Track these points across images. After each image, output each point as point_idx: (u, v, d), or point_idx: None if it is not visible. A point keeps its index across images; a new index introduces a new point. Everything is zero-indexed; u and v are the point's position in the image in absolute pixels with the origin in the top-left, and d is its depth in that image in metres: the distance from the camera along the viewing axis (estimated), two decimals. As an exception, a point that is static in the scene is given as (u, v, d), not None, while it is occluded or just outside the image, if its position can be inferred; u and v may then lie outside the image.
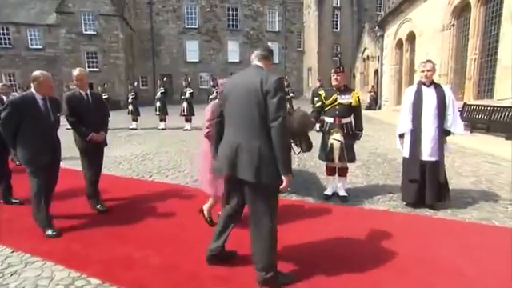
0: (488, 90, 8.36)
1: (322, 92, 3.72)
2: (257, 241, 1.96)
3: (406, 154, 3.34)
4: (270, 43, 28.05)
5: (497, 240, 2.68)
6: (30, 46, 21.87)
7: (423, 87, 3.22)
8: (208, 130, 2.72)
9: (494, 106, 7.57)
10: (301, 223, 3.05)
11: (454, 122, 3.17)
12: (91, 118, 3.25)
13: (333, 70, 3.63)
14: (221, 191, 2.78)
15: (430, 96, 3.16)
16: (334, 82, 3.61)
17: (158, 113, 10.35)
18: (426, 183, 3.24)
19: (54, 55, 21.60)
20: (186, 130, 10.18)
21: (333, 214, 3.32)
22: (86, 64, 21.41)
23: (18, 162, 3.72)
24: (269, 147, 1.81)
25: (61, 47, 21.26)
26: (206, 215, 2.97)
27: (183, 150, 7.17)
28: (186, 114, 10.24)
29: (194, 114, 10.45)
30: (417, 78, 11.39)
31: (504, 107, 7.34)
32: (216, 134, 2.15)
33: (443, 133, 3.21)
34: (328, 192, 3.79)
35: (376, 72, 16.16)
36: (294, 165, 5.05)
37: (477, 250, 2.48)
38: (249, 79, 1.91)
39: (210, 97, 10.17)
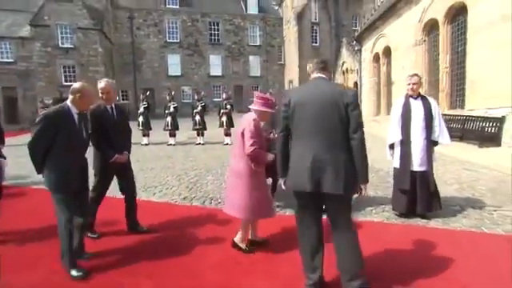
0: (460, 101, 8.83)
1: None
2: (345, 252, 1.94)
3: (397, 164, 3.40)
4: (251, 57, 28.59)
5: (488, 247, 2.75)
6: (0, 60, 20.81)
7: (411, 100, 3.33)
8: (254, 147, 2.46)
9: (466, 116, 7.99)
10: (290, 235, 2.96)
11: (441, 133, 3.29)
12: (116, 136, 2.92)
13: None
14: (260, 215, 2.65)
15: (417, 108, 3.27)
16: None
17: (141, 128, 10.09)
18: (417, 193, 3.30)
19: (27, 69, 20.71)
20: (171, 144, 9.96)
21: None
22: (63, 78, 20.72)
23: None
24: (351, 158, 1.87)
25: (35, 60, 20.42)
26: (243, 247, 2.72)
27: (169, 165, 6.96)
28: (170, 128, 10.04)
29: (178, 129, 10.28)
30: (394, 89, 11.92)
31: (475, 117, 7.77)
32: (284, 149, 2.04)
33: (431, 143, 3.31)
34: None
35: (355, 84, 16.75)
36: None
37: (471, 259, 2.53)
38: (325, 91, 1.91)
39: (195, 111, 10.10)
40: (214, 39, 27.86)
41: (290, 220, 3.19)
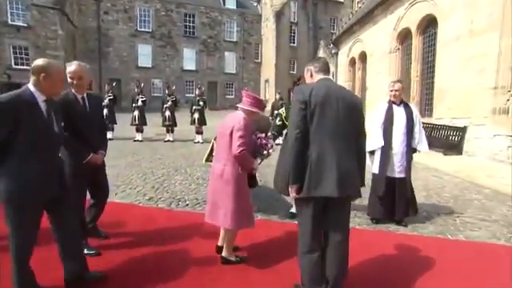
0: (428, 110, 9.27)
1: (282, 112, 3.63)
2: (338, 260, 1.88)
3: (376, 170, 3.37)
4: (227, 53, 28.08)
5: (452, 253, 2.85)
6: None
7: (394, 106, 3.27)
8: (242, 148, 2.23)
9: (433, 124, 8.38)
10: (270, 244, 2.90)
11: (421, 141, 3.30)
12: (89, 132, 2.40)
13: (293, 95, 3.55)
14: (246, 225, 2.43)
15: (400, 115, 3.24)
16: None
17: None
18: (396, 199, 3.32)
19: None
20: (137, 140, 9.32)
21: (290, 232, 3.13)
22: (13, 60, 18.49)
23: None
24: (357, 162, 1.88)
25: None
26: (234, 259, 2.47)
27: (134, 163, 6.45)
28: (137, 123, 9.39)
29: (146, 124, 9.65)
30: (369, 95, 12.24)
31: (441, 125, 8.17)
32: (300, 151, 1.77)
33: (411, 150, 3.31)
34: (293, 210, 3.63)
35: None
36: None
37: (438, 264, 2.60)
38: (345, 94, 1.88)
39: (165, 106, 9.54)
40: (189, 32, 26.92)
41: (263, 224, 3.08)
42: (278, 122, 3.65)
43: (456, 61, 7.77)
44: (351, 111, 1.81)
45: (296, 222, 3.40)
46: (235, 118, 2.36)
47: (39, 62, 1.86)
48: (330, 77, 1.95)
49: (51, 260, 2.13)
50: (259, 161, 2.62)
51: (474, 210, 3.97)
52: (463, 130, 7.63)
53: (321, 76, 1.91)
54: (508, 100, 6.66)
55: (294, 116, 1.79)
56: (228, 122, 2.39)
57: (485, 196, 4.65)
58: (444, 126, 8.08)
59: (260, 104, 2.51)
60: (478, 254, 2.81)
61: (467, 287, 2.29)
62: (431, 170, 6.44)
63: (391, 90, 3.26)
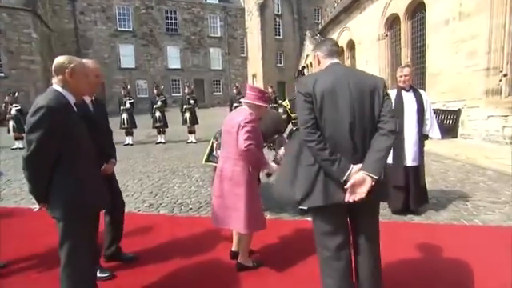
0: (420, 94, 9.28)
1: (286, 103, 3.43)
2: (372, 265, 1.62)
3: (390, 160, 3.23)
4: (211, 49, 27.58)
5: (473, 239, 2.76)
6: None
7: (403, 92, 3.14)
8: (249, 142, 2.04)
9: (427, 109, 8.41)
10: (284, 244, 2.76)
11: (432, 127, 3.21)
12: (99, 139, 2.08)
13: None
14: (259, 228, 2.26)
15: (410, 101, 3.12)
16: None
17: (90, 126, 8.84)
18: (410, 188, 3.22)
19: None
20: (128, 144, 8.97)
21: (303, 230, 3.01)
22: (-19, 67, 17.24)
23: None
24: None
25: None
26: (251, 265, 2.31)
27: (127, 168, 6.15)
28: (126, 126, 9.03)
29: (135, 127, 9.29)
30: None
31: (435, 110, 8.16)
32: (322, 152, 1.47)
33: (422, 137, 3.21)
34: (304, 206, 3.48)
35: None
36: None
37: (460, 253, 2.50)
38: (358, 77, 1.55)
39: (155, 106, 9.20)
40: (172, 29, 26.23)
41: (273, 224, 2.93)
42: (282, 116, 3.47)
43: (446, 44, 7.76)
44: (368, 96, 1.50)
45: (308, 219, 3.34)
46: (242, 114, 2.20)
47: (60, 59, 1.67)
48: (339, 61, 1.65)
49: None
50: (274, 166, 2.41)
51: (483, 193, 3.94)
52: (457, 113, 7.68)
53: (331, 60, 1.62)
54: (500, 80, 6.71)
55: (299, 111, 1.53)
56: (235, 119, 2.22)
57: (489, 178, 4.64)
58: (438, 110, 8.10)
59: (265, 97, 2.35)
60: (499, 239, 2.72)
61: (494, 273, 2.20)
62: (431, 155, 6.43)
63: (400, 76, 3.13)
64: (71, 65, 1.64)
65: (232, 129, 2.17)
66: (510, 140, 6.42)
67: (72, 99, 1.65)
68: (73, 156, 1.61)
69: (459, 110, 7.66)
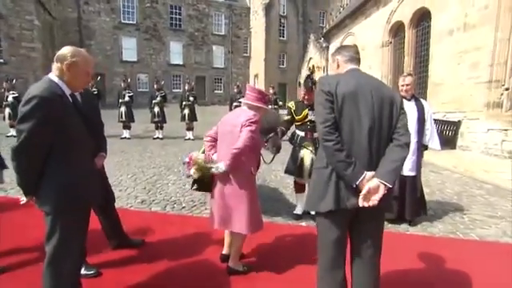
0: (421, 104, 9.26)
1: (291, 105, 3.39)
2: (373, 276, 1.61)
3: None
4: (215, 46, 27.48)
5: (468, 254, 2.74)
6: None
7: (404, 101, 3.09)
8: (247, 144, 2.06)
9: (427, 118, 8.38)
10: (277, 248, 2.72)
11: (432, 137, 3.17)
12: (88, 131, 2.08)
13: (304, 90, 3.30)
14: (259, 228, 2.25)
15: (410, 110, 3.07)
16: (304, 100, 3.31)
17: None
18: (406, 198, 3.19)
19: None
20: (124, 138, 8.88)
21: (309, 235, 2.98)
22: (-21, 52, 16.84)
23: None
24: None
25: None
26: (241, 269, 2.27)
27: (122, 162, 6.09)
28: (124, 119, 8.94)
29: (133, 121, 9.21)
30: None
31: (435, 120, 8.15)
32: (339, 153, 1.45)
33: (421, 147, 3.19)
34: (298, 211, 3.47)
35: (320, 81, 16.93)
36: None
37: (455, 266, 2.47)
38: (378, 86, 1.56)
39: (154, 101, 9.11)
40: (176, 24, 26.09)
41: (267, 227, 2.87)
42: (286, 117, 3.42)
43: (450, 55, 7.74)
44: (388, 105, 1.51)
45: (302, 224, 3.29)
46: (246, 113, 2.16)
47: (66, 50, 1.63)
48: (358, 67, 1.65)
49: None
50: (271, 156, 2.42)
51: (480, 207, 3.91)
52: (457, 124, 7.65)
53: (351, 66, 1.62)
54: (502, 94, 6.69)
55: (320, 109, 1.51)
56: (238, 118, 2.18)
57: (487, 191, 4.61)
58: (438, 120, 8.07)
59: (265, 98, 2.33)
60: (496, 255, 2.69)
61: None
62: (428, 166, 6.39)
63: (402, 85, 3.09)
64: (74, 58, 1.60)
65: (235, 128, 2.14)
66: (508, 154, 6.39)
67: (67, 90, 1.61)
68: (66, 148, 1.56)
69: (459, 121, 7.63)
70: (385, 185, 1.43)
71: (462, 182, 5.20)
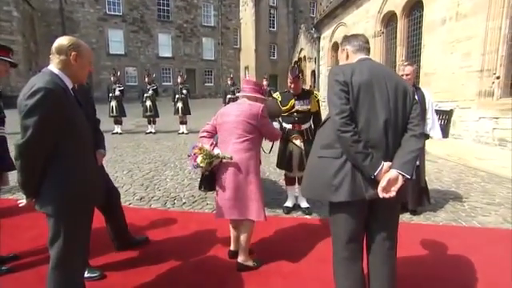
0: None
1: (277, 96, 3.29)
2: (389, 271, 1.58)
3: None
4: (204, 38, 26.95)
5: (471, 240, 2.78)
6: None
7: None
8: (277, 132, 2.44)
9: (419, 108, 8.46)
10: (284, 241, 2.69)
11: (433, 127, 3.14)
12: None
13: (290, 78, 3.12)
14: (265, 214, 2.25)
15: None
16: (290, 90, 3.18)
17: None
18: (409, 188, 3.14)
19: None
20: (116, 133, 8.67)
21: (313, 226, 3.02)
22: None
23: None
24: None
25: None
26: (251, 264, 2.24)
27: (116, 158, 5.93)
28: (115, 114, 8.70)
29: (125, 115, 8.97)
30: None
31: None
32: (357, 144, 1.41)
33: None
34: (288, 204, 3.44)
35: (313, 73, 16.86)
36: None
37: (460, 253, 2.50)
38: (391, 75, 1.54)
39: (146, 95, 8.89)
40: (163, 16, 25.38)
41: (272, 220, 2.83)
42: None
43: (442, 44, 7.78)
44: (402, 95, 1.49)
45: (308, 217, 3.28)
46: (250, 107, 2.19)
47: (64, 40, 1.51)
48: (368, 56, 1.62)
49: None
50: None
51: (478, 194, 3.98)
52: (449, 113, 7.75)
53: (362, 56, 1.59)
54: (493, 83, 6.78)
55: (335, 99, 1.45)
56: (237, 109, 2.22)
57: (482, 179, 4.71)
58: (430, 109, 8.18)
59: (262, 89, 2.38)
60: (497, 240, 2.74)
61: (491, 274, 2.20)
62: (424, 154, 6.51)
63: (401, 75, 3.04)
64: (79, 48, 1.51)
65: (238, 117, 2.18)
66: (498, 142, 6.54)
67: (69, 83, 1.51)
68: (69, 145, 1.46)
69: (451, 110, 7.73)
70: (403, 176, 1.41)
71: (458, 170, 5.30)
